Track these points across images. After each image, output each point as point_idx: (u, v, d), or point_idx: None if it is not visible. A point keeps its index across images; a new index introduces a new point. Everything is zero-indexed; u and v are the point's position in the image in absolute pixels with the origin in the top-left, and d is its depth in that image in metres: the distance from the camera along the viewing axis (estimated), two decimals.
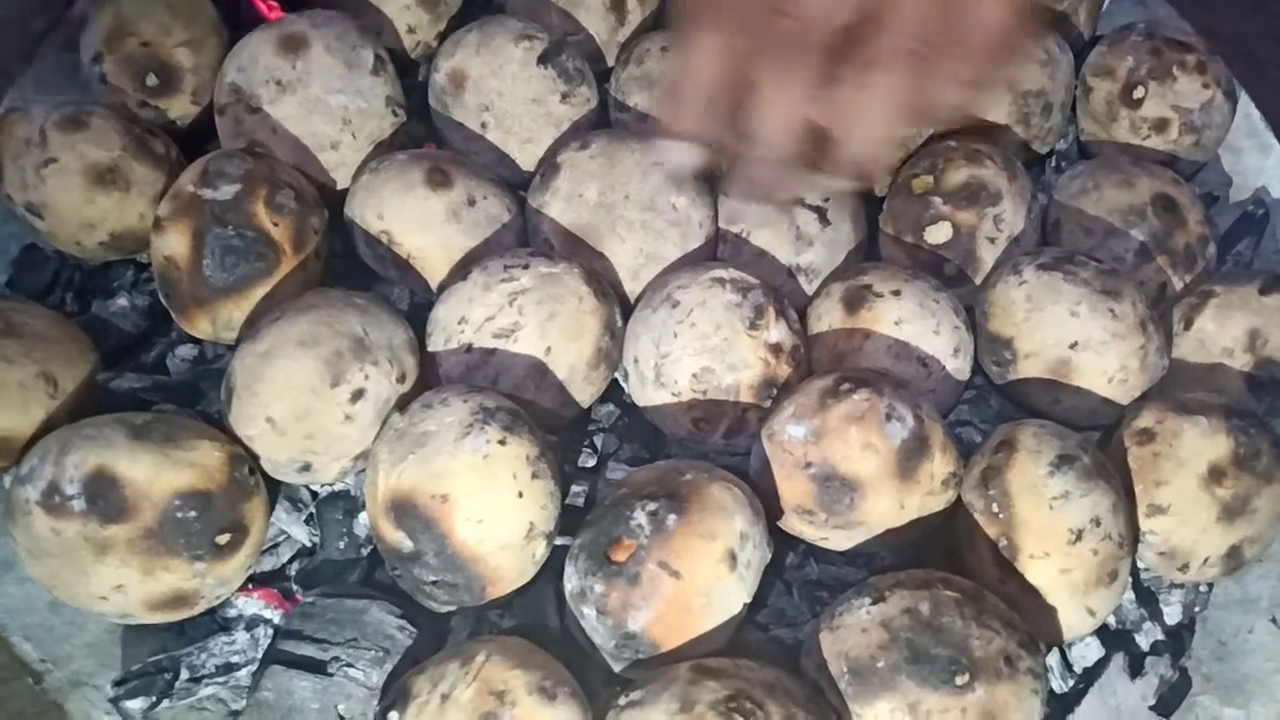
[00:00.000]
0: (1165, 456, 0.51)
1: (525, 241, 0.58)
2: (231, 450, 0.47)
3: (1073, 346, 0.54)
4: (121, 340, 0.56)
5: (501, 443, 0.46)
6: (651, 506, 0.45)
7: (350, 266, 0.58)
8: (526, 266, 0.52)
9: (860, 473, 0.48)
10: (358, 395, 0.48)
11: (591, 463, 0.56)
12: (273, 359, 0.47)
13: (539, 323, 0.51)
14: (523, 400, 0.51)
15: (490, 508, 0.45)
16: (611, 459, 0.56)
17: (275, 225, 0.51)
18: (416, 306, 0.58)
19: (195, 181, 0.51)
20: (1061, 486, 0.47)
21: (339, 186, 0.59)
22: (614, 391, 0.57)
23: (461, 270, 0.54)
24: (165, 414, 0.49)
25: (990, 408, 0.59)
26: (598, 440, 0.57)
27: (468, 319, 0.52)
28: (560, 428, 0.55)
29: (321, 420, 0.47)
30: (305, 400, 0.47)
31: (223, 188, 0.51)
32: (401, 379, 0.50)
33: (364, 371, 0.48)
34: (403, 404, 0.49)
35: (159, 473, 0.45)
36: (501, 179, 0.59)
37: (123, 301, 0.57)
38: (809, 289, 0.59)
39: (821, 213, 0.58)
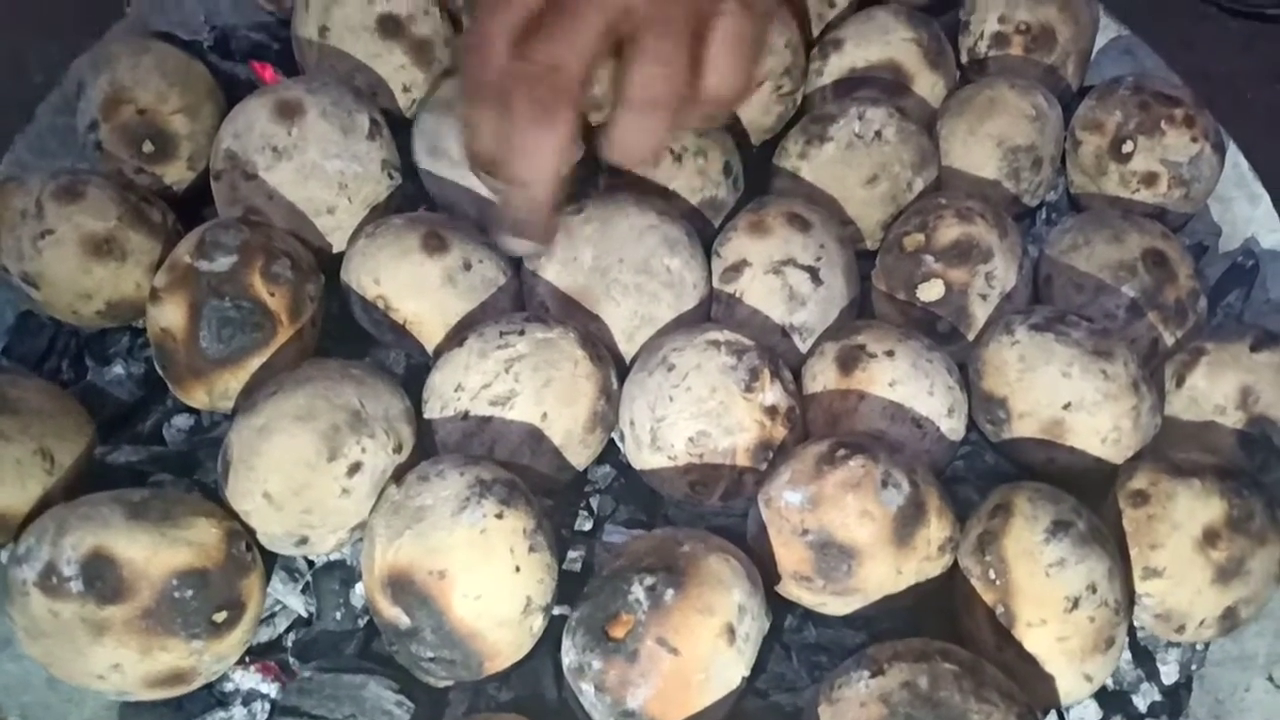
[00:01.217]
0: (1159, 519, 0.51)
1: (521, 304, 0.59)
2: (229, 526, 0.47)
3: (1066, 407, 0.54)
4: (118, 408, 0.56)
5: (499, 516, 0.46)
6: (649, 581, 0.45)
7: (346, 330, 0.59)
8: (522, 333, 0.52)
9: (857, 540, 0.48)
10: (355, 469, 0.48)
11: (588, 526, 0.56)
12: (270, 434, 0.47)
13: (535, 389, 0.51)
14: (519, 466, 0.51)
15: (488, 583, 0.45)
16: (608, 521, 0.56)
17: (271, 295, 0.52)
18: (414, 369, 0.58)
19: (191, 253, 0.51)
20: (1057, 553, 0.47)
21: (335, 250, 0.59)
22: (610, 452, 0.57)
23: (458, 336, 0.54)
24: (162, 489, 0.49)
25: (985, 463, 0.59)
26: (594, 502, 0.57)
27: (464, 386, 0.52)
28: (556, 490, 0.55)
29: (318, 494, 0.47)
30: (302, 475, 0.47)
31: (219, 259, 0.51)
32: (398, 449, 0.50)
33: (360, 445, 0.48)
34: (400, 474, 0.49)
35: (156, 552, 0.45)
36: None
37: (119, 369, 0.57)
38: (803, 348, 0.59)
39: (814, 272, 0.58)
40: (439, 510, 0.46)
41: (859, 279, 0.62)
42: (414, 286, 0.55)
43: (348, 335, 0.59)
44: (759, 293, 0.58)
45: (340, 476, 0.48)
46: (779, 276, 0.58)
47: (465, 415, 0.52)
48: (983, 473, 0.59)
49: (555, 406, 0.52)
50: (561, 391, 0.52)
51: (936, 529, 0.50)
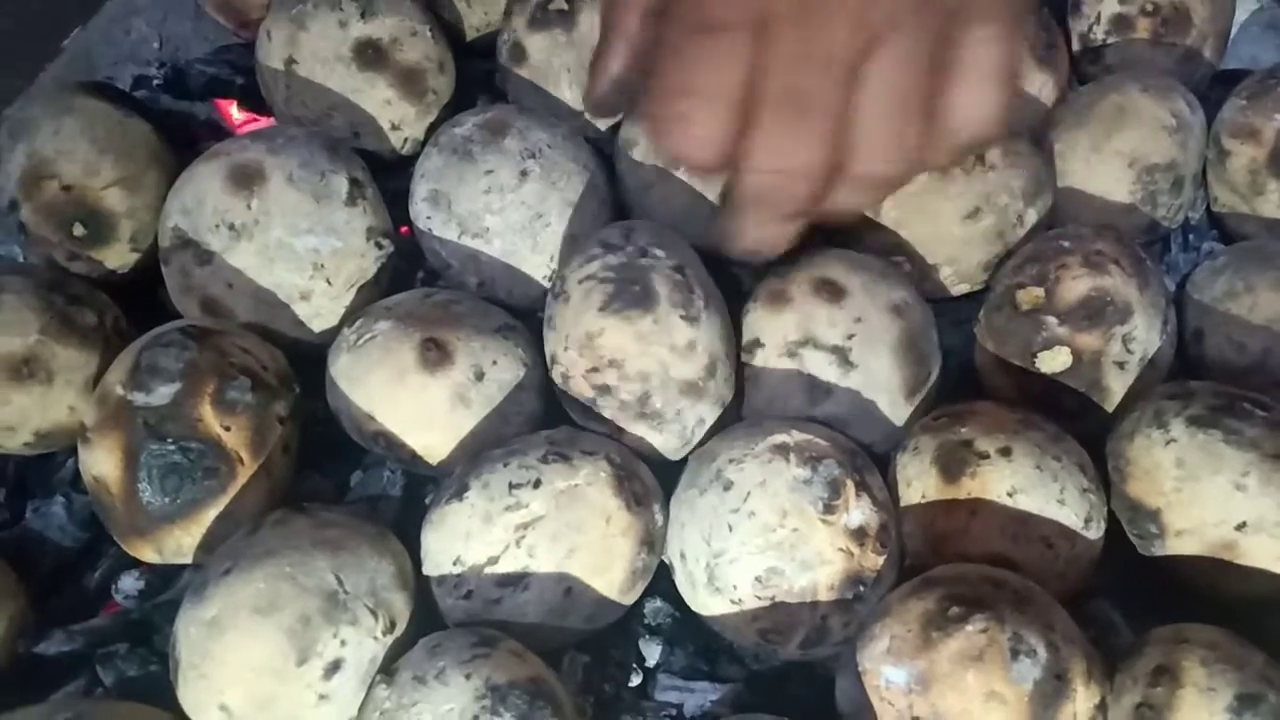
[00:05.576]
0: None
1: (549, 394, 0.48)
2: None
3: (1240, 528, 0.42)
4: (59, 559, 0.46)
5: None
6: None
7: (333, 435, 0.48)
8: (538, 484, 0.41)
9: None
10: (333, 668, 0.37)
11: (636, 680, 0.45)
12: (222, 632, 0.37)
13: (556, 561, 0.41)
14: (543, 633, 0.41)
15: None
16: (662, 671, 0.46)
17: (226, 430, 0.41)
18: (416, 482, 0.48)
19: (124, 382, 0.41)
20: None
21: (317, 332, 0.49)
22: (662, 578, 0.46)
23: (457, 482, 0.42)
24: (92, 708, 0.39)
25: (1123, 558, 0.47)
26: (643, 645, 0.46)
27: (463, 560, 0.41)
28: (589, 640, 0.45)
29: (290, 706, 0.37)
30: (267, 684, 0.37)
31: (158, 389, 0.41)
32: (390, 628, 0.39)
33: (339, 636, 0.37)
34: (394, 657, 0.39)
35: None
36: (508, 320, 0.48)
37: (59, 509, 0.46)
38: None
39: (842, 354, 0.46)
40: None
41: (931, 349, 0.49)
42: (419, 418, 0.44)
43: (334, 441, 0.48)
44: (773, 380, 0.47)
45: (315, 681, 0.37)
46: (794, 360, 0.46)
47: (468, 594, 0.41)
48: (1123, 576, 0.47)
49: (583, 577, 0.41)
50: (590, 561, 0.41)
51: (1084, 699, 0.38)
